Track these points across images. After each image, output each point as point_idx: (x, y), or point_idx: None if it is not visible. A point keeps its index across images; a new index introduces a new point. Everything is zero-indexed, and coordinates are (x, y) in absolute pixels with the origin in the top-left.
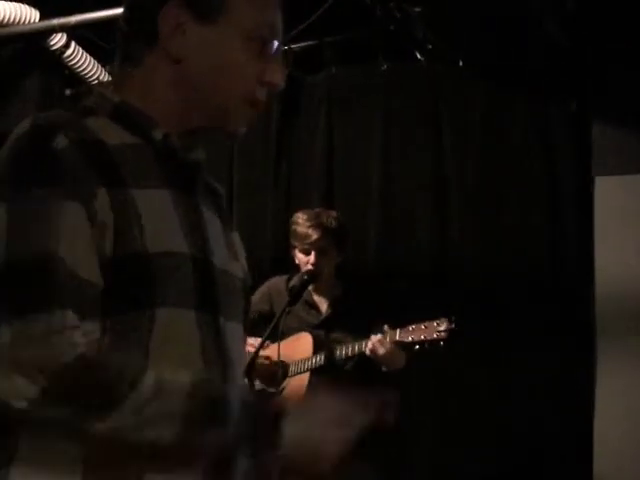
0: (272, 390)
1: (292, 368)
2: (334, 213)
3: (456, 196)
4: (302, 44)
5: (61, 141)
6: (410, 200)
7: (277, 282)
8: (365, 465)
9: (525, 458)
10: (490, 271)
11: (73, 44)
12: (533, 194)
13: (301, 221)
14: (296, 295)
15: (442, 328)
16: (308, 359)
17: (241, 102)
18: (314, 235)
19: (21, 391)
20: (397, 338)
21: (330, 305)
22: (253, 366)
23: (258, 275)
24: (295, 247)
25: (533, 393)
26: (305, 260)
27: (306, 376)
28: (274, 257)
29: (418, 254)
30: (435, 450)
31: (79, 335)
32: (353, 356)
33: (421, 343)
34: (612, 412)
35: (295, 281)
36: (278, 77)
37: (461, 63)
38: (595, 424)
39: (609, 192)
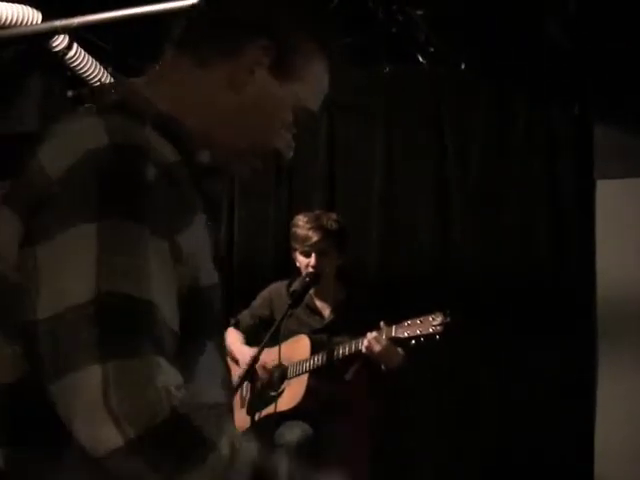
0: (272, 393)
1: (290, 370)
2: (334, 215)
3: (458, 198)
4: None
5: (151, 171)
6: (412, 202)
7: (278, 287)
8: None
9: (525, 459)
10: (491, 272)
11: (75, 46)
12: (535, 197)
13: (301, 223)
14: (297, 298)
15: (437, 322)
16: (306, 360)
17: (260, 150)
18: (314, 237)
19: (106, 440)
20: (393, 334)
21: (333, 310)
22: (253, 370)
23: (260, 279)
24: (296, 250)
25: (534, 394)
26: (306, 262)
27: (305, 378)
28: (275, 260)
29: (420, 255)
30: (436, 450)
31: (172, 386)
32: (350, 355)
33: (417, 338)
34: (613, 413)
35: (296, 285)
36: (290, 153)
37: (463, 66)
38: (596, 425)
39: (610, 195)
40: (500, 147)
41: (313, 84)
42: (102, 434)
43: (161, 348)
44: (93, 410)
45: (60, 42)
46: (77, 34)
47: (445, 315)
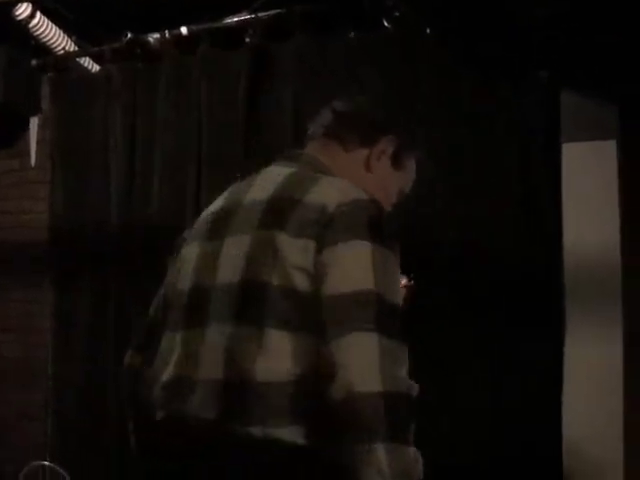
0: None
1: None
2: None
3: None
4: (270, 12)
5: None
6: None
7: None
8: None
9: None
10: (457, 238)
11: (38, 14)
12: (503, 163)
13: None
14: None
15: (401, 285)
16: None
17: None
18: None
19: (368, 384)
20: None
21: None
22: None
23: None
24: None
25: (500, 363)
26: None
27: None
28: None
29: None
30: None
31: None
32: None
33: None
34: (581, 379)
35: None
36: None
37: (429, 31)
38: (564, 392)
39: (577, 159)
40: (466, 112)
41: (411, 173)
42: (368, 380)
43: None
44: (368, 362)
45: (23, 11)
46: (41, 3)
47: (410, 278)
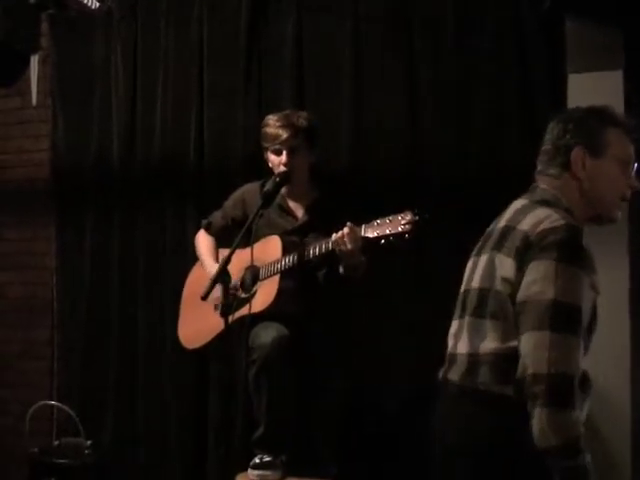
0: (244, 295)
1: (262, 271)
2: (304, 113)
3: (428, 99)
4: None
5: (584, 241)
6: (382, 104)
7: (251, 188)
8: None
9: None
10: (462, 175)
11: None
12: (506, 94)
13: (271, 122)
14: (269, 198)
15: (406, 221)
16: (277, 261)
17: (618, 201)
18: (284, 134)
19: (538, 368)
20: (362, 234)
21: (306, 211)
22: (225, 272)
23: (230, 180)
24: (267, 149)
25: None
26: (277, 161)
27: (276, 278)
28: (245, 161)
29: (391, 157)
30: (406, 352)
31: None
32: (321, 255)
33: (386, 237)
34: None
35: (269, 185)
36: (638, 184)
37: None
38: None
39: (582, 89)
40: (469, 43)
41: (619, 145)
42: (537, 365)
43: (580, 335)
44: (539, 352)
45: None
46: None
47: (414, 213)
